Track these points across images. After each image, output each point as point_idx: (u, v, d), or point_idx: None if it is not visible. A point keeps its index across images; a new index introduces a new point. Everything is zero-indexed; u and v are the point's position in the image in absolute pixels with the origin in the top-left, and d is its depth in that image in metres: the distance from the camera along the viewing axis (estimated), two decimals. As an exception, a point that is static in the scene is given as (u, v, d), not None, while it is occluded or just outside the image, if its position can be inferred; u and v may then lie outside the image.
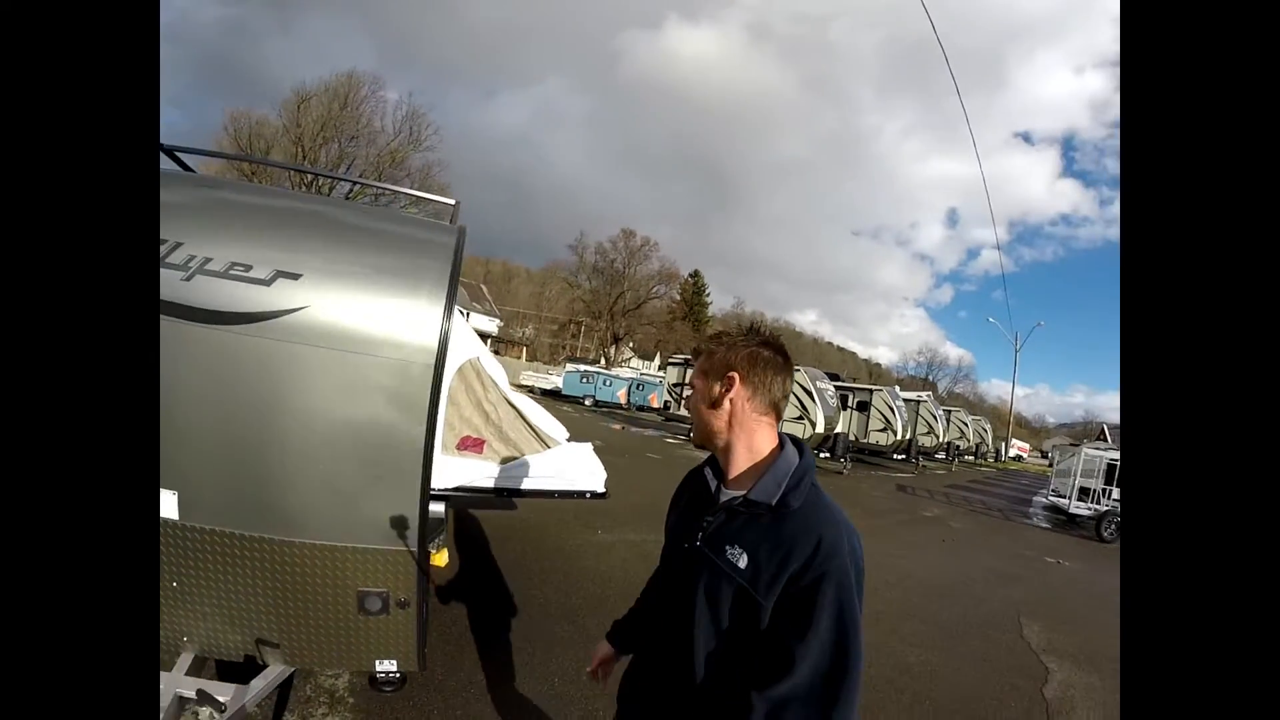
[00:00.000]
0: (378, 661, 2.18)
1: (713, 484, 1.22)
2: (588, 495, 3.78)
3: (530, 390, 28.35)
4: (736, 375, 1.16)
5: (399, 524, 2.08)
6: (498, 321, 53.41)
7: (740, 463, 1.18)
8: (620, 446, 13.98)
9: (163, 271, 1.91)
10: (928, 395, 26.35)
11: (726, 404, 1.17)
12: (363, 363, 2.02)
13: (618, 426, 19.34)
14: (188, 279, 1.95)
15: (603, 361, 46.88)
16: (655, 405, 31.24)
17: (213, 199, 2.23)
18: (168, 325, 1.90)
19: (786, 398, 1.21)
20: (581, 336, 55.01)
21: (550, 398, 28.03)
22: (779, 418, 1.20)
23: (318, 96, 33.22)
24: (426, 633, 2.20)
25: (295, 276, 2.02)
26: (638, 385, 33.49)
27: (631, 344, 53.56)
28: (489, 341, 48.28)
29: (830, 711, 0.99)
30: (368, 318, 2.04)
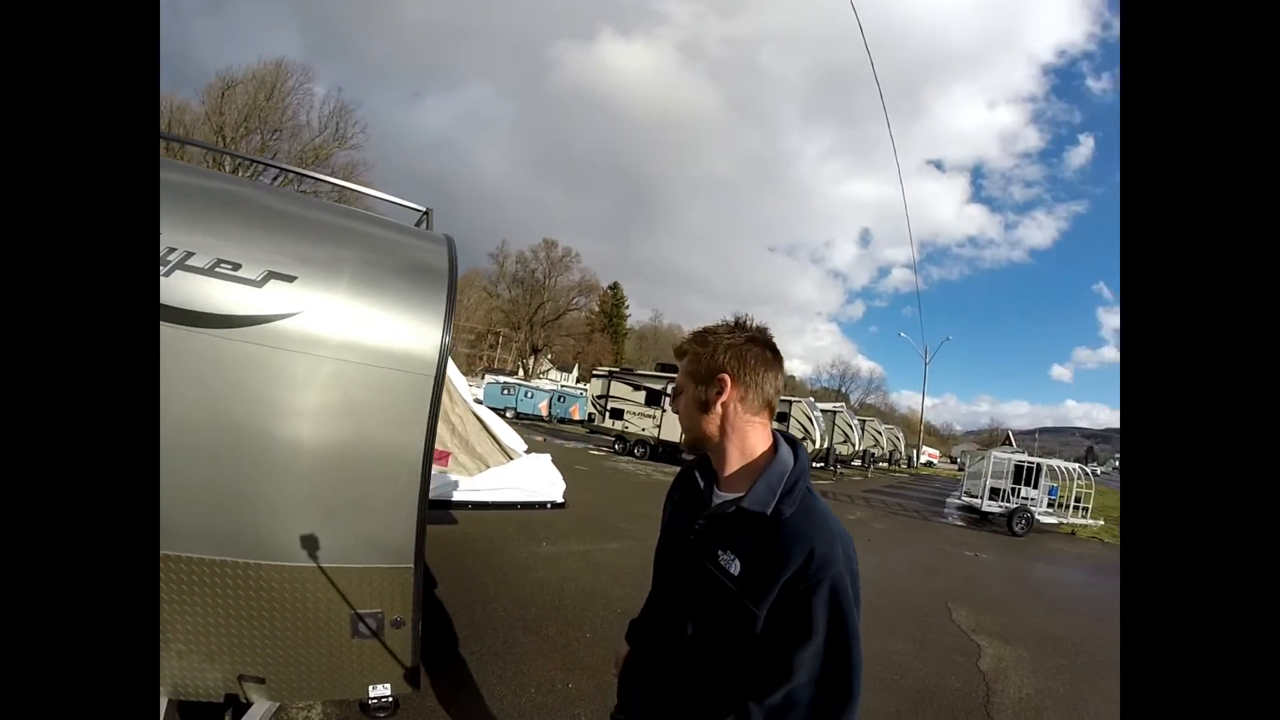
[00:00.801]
0: (371, 687, 2.05)
1: (704, 485, 1.19)
2: (549, 506, 3.77)
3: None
4: (728, 376, 1.11)
5: (397, 541, 1.99)
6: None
7: (734, 465, 1.14)
8: (554, 456, 13.66)
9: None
10: (843, 406, 27.66)
11: (719, 407, 1.12)
12: (360, 374, 1.92)
13: (540, 439, 19.64)
14: (165, 274, 1.76)
15: (521, 373, 46.08)
16: (577, 417, 31.17)
17: (195, 186, 2.05)
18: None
19: (779, 394, 1.17)
20: (500, 347, 53.72)
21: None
22: (772, 415, 1.17)
23: (243, 84, 31.39)
24: (419, 648, 2.10)
25: (289, 279, 1.90)
26: (559, 397, 33.34)
27: (550, 355, 53.04)
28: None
29: (816, 693, 0.98)
30: (366, 326, 1.95)
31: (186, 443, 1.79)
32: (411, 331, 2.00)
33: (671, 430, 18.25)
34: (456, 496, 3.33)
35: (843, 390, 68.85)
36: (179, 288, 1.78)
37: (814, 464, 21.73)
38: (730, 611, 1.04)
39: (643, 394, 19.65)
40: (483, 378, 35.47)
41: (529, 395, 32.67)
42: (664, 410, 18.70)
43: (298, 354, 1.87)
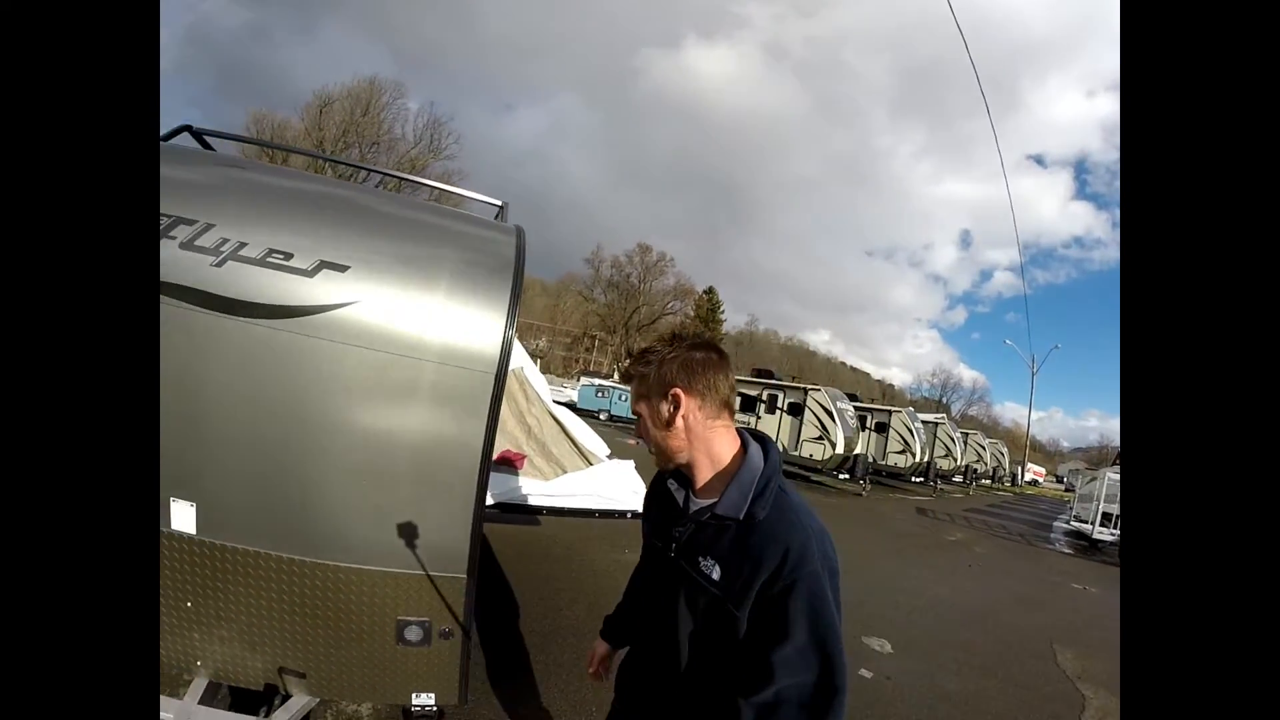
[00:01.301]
0: (414, 695, 1.95)
1: (679, 495, 1.21)
2: (629, 515, 3.55)
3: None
4: (679, 389, 1.13)
5: (449, 548, 1.88)
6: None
7: (705, 474, 1.16)
8: (638, 462, 13.63)
9: (190, 255, 1.73)
10: (944, 417, 25.95)
11: (680, 421, 1.14)
12: (416, 368, 1.81)
13: (633, 442, 18.98)
14: (218, 264, 1.74)
15: (616, 376, 46.86)
16: (670, 423, 30.93)
17: (248, 180, 2.02)
18: (193, 315, 1.72)
19: (734, 392, 1.19)
20: (595, 350, 54.92)
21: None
22: (732, 414, 1.18)
23: (340, 101, 33.46)
24: (469, 663, 1.97)
25: (342, 268, 1.82)
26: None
27: (646, 359, 53.40)
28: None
29: (805, 691, 0.99)
30: (424, 319, 1.83)
31: (240, 435, 1.79)
32: (471, 325, 1.86)
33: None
34: (531, 501, 3.21)
35: (944, 401, 65.07)
36: (233, 277, 1.76)
37: (914, 478, 21.08)
38: (714, 616, 1.07)
39: (737, 399, 18.97)
40: (578, 380, 36.36)
41: (623, 398, 33.00)
42: (759, 417, 18.01)
43: (352, 346, 1.79)
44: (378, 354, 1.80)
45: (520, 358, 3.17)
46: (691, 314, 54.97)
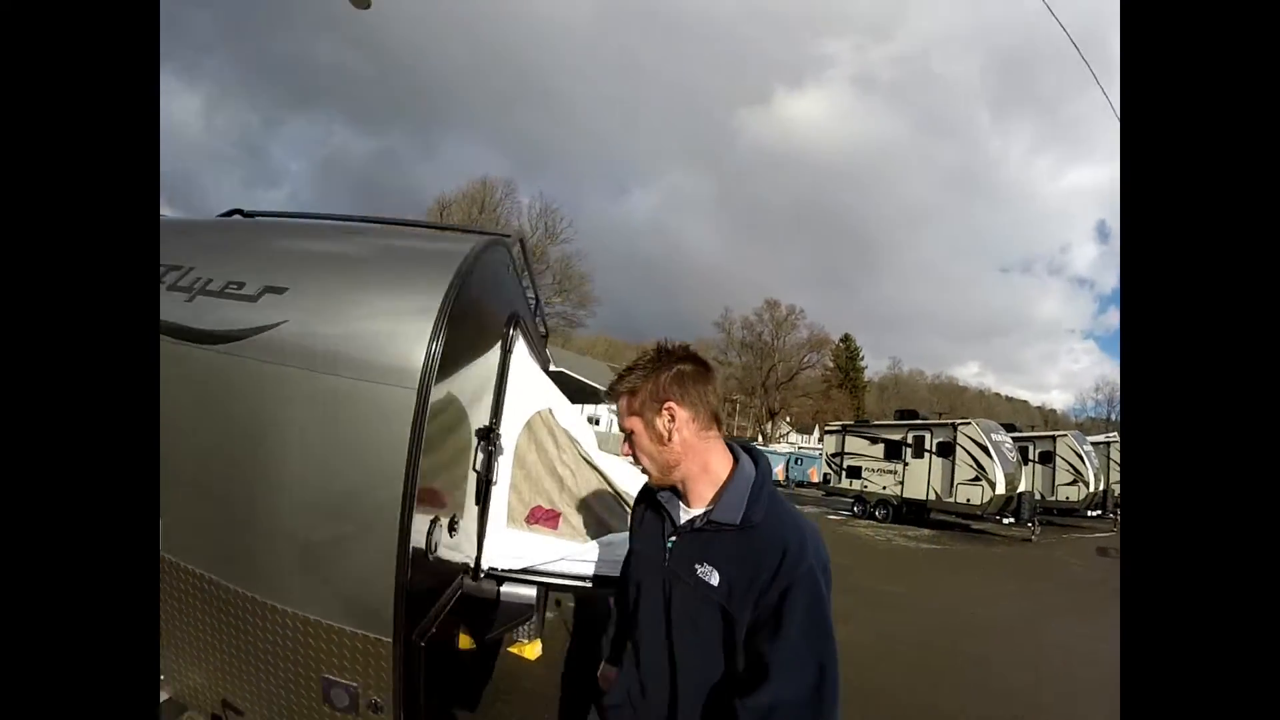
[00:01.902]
0: (343, 770, 1.65)
1: (671, 507, 1.21)
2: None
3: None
4: (673, 403, 1.14)
5: (368, 601, 1.61)
6: (656, 406, 53.01)
7: (700, 485, 1.17)
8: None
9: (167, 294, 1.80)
10: (1117, 435, 21.04)
11: (675, 435, 1.14)
12: (333, 387, 1.65)
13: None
14: (189, 300, 1.80)
15: (760, 439, 44.98)
16: (815, 479, 28.84)
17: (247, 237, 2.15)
18: (167, 345, 1.73)
19: (722, 404, 1.22)
20: (737, 415, 53.54)
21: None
22: (721, 427, 1.20)
23: (457, 204, 35.80)
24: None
25: (280, 290, 1.77)
26: (796, 460, 31.90)
27: (788, 418, 50.87)
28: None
29: (802, 693, 1.00)
30: (344, 333, 1.70)
31: (192, 456, 1.74)
32: (394, 335, 1.69)
33: (916, 485, 15.70)
34: (568, 565, 2.79)
35: (1113, 418, 52.13)
36: (196, 310, 1.79)
37: (1089, 511, 17.88)
38: (713, 622, 1.08)
39: (881, 446, 17.00)
40: None
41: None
42: (906, 463, 16.12)
43: (280, 366, 1.71)
44: (301, 372, 1.69)
45: (549, 397, 2.88)
46: (830, 365, 52.08)
